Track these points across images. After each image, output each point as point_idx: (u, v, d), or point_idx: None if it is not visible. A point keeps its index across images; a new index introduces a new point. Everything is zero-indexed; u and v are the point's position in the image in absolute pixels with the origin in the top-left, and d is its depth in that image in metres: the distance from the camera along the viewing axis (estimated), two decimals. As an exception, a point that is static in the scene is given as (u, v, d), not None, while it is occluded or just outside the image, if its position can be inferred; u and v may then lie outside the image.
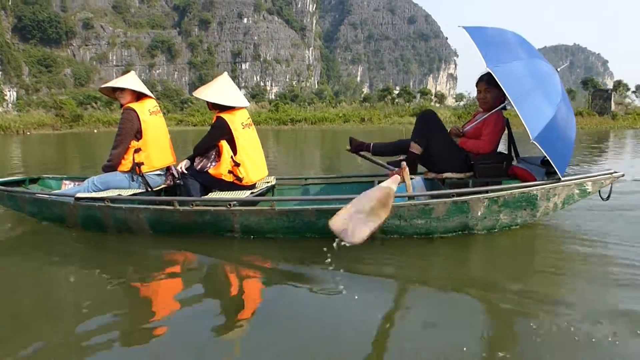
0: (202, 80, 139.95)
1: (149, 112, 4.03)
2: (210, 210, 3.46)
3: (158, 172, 4.12)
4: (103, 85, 4.13)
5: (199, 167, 3.86)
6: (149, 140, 4.00)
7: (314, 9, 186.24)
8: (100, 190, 3.90)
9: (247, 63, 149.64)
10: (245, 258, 3.29)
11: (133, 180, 3.99)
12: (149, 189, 4.01)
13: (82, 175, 4.93)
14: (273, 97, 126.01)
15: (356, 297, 2.48)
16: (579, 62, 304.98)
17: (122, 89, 4.05)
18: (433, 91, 64.76)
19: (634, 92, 67.31)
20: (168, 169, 4.12)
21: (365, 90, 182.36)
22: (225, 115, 3.81)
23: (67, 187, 4.72)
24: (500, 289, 2.58)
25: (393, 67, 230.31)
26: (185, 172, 3.88)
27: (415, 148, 3.69)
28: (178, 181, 4.17)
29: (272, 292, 2.68)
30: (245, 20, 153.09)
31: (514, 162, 3.80)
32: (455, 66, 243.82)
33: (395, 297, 2.56)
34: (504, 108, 3.70)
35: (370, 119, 40.63)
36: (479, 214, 3.35)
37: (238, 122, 3.83)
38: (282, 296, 2.60)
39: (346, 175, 4.74)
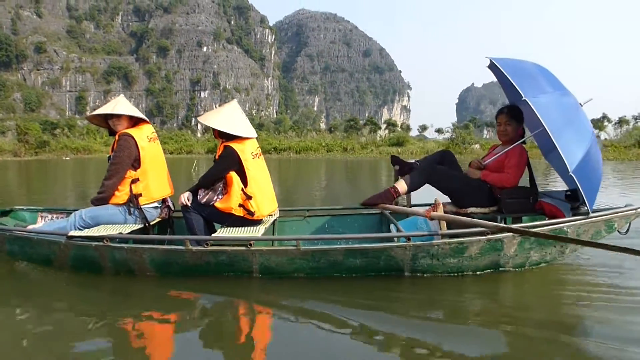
0: (159, 108, 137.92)
1: (147, 139, 3.64)
2: (227, 251, 3.15)
3: (155, 205, 3.70)
4: (96, 112, 3.67)
5: (204, 200, 3.49)
6: (148, 170, 3.59)
7: (272, 40, 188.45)
8: (90, 225, 3.49)
9: (207, 91, 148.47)
10: (263, 297, 3.01)
11: (129, 214, 3.55)
12: (147, 224, 3.60)
13: (60, 207, 4.43)
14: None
15: (386, 338, 2.39)
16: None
17: (118, 116, 3.63)
18: (398, 122, 66.45)
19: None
20: (164, 200, 3.80)
21: (323, 120, 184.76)
22: (234, 145, 3.48)
23: (45, 220, 4.21)
24: (533, 324, 2.56)
25: (349, 98, 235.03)
26: (188, 205, 3.50)
27: (402, 187, 3.61)
28: (173, 214, 3.89)
29: (293, 335, 2.44)
30: (204, 48, 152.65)
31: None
32: (409, 98, 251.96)
33: (425, 336, 2.43)
34: (524, 142, 3.70)
35: (352, 149, 41.00)
36: (512, 251, 3.27)
37: (248, 151, 3.51)
38: (303, 338, 2.41)
39: (349, 207, 4.48)
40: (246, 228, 3.46)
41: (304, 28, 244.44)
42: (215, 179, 3.50)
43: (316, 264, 3.15)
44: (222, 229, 3.47)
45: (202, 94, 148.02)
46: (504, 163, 3.57)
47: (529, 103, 3.11)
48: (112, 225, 3.49)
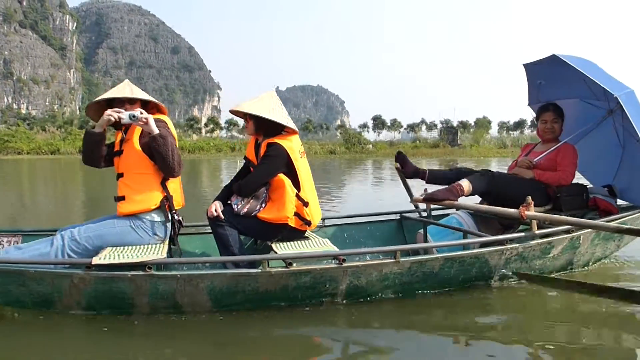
0: None
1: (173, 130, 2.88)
2: (315, 270, 2.59)
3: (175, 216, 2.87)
4: (102, 97, 2.77)
5: (245, 210, 2.87)
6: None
7: (74, 28, 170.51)
8: (88, 249, 2.60)
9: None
10: (355, 334, 2.51)
11: (148, 230, 2.69)
12: (173, 242, 2.87)
13: (14, 228, 3.54)
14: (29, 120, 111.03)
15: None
16: (322, 101, 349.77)
17: (134, 100, 2.74)
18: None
19: (389, 127, 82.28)
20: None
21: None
22: (281, 141, 2.89)
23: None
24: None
25: (157, 96, 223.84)
26: (222, 217, 2.86)
27: (467, 186, 3.30)
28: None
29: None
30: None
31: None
32: (219, 99, 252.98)
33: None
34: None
35: (240, 149, 41.90)
36: (584, 249, 3.25)
37: (296, 149, 2.93)
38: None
39: (365, 213, 4.22)
40: (303, 242, 2.92)
41: (105, 18, 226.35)
42: (260, 184, 2.89)
43: (409, 277, 2.80)
44: (277, 244, 2.90)
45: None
46: (556, 161, 3.51)
47: (620, 101, 3.17)
48: (123, 247, 2.64)
